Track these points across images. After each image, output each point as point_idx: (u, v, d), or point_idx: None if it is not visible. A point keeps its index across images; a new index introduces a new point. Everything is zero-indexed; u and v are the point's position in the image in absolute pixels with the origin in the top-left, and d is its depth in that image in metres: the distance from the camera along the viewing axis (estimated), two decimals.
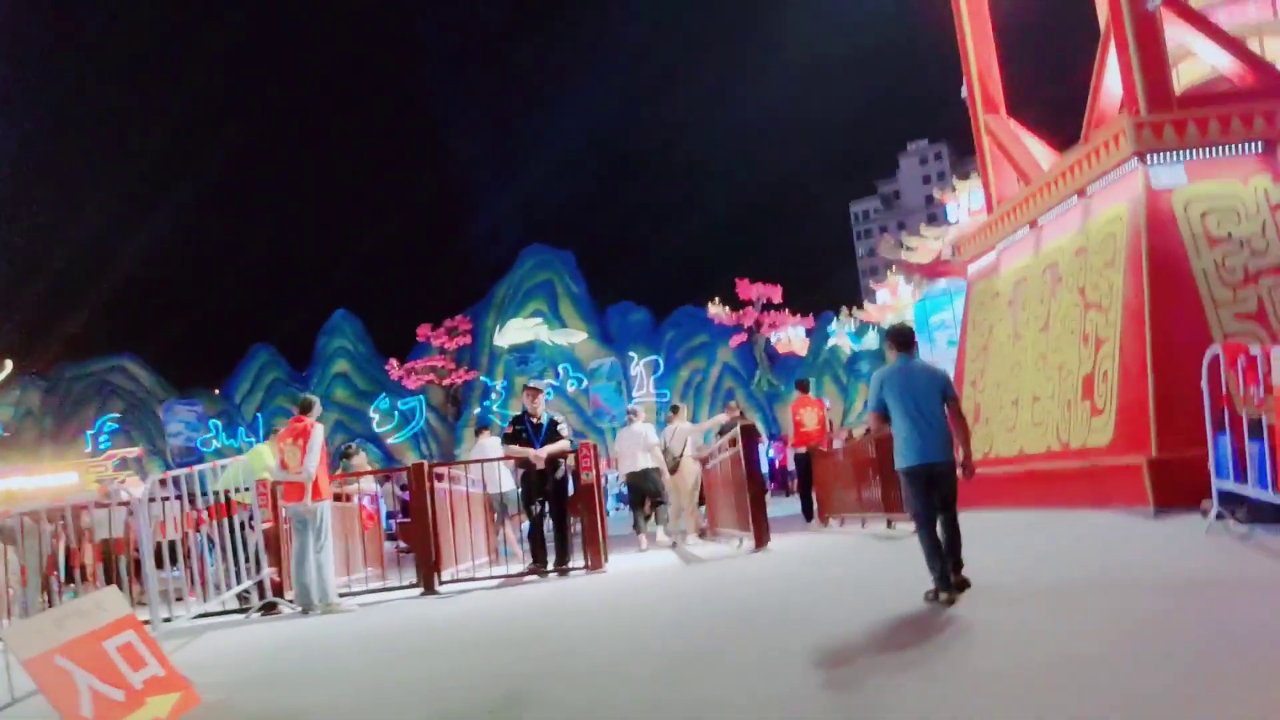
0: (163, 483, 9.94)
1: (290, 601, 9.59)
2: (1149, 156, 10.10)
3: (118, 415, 51.57)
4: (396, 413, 54.91)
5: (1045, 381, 11.61)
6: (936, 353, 43.60)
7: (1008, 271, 13.25)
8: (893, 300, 58.21)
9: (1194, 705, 3.59)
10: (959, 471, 6.76)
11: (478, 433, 14.66)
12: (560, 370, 54.19)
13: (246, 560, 9.54)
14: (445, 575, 10.12)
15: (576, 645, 6.33)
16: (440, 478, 11.83)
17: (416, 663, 6.31)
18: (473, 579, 10.01)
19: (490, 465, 11.50)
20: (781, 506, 19.72)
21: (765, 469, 20.39)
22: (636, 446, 12.79)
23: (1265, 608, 5.09)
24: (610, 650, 6.00)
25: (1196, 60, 12.00)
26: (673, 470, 13.01)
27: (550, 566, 10.02)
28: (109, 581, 9.84)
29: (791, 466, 20.36)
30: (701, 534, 14.08)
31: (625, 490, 13.98)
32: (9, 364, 48.02)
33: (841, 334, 53.56)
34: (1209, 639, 4.56)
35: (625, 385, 53.94)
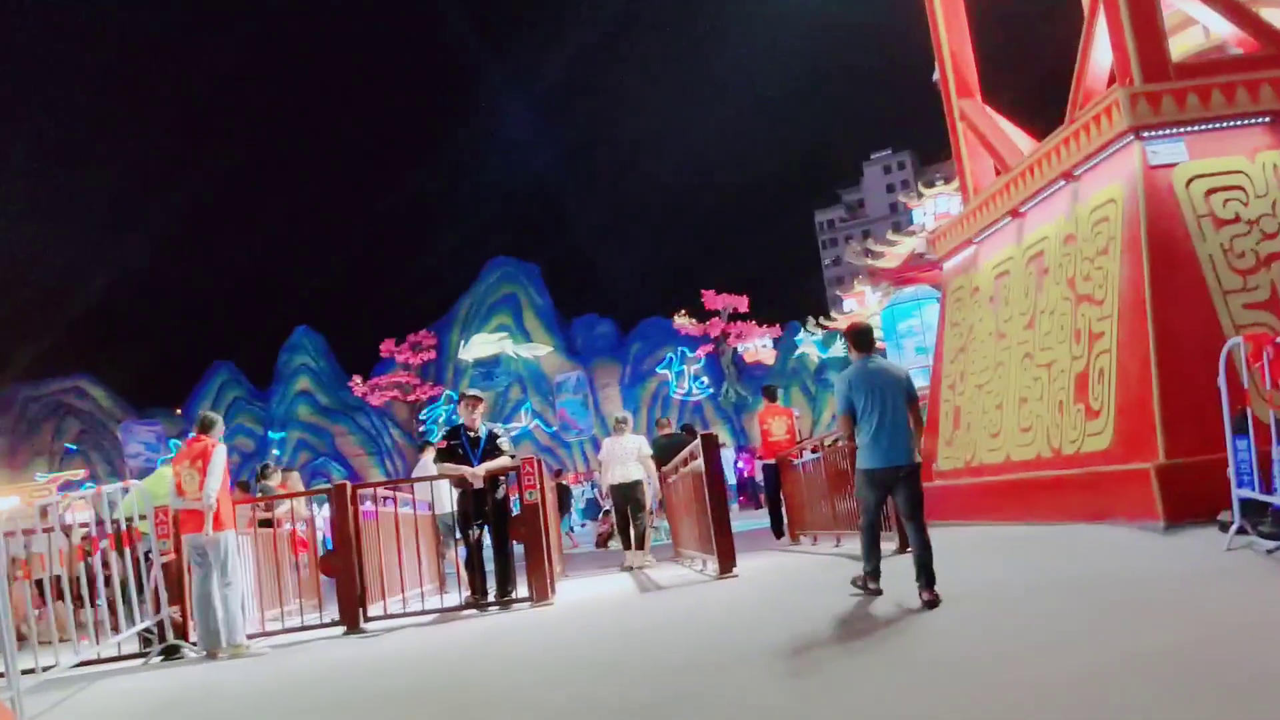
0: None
1: (194, 644, 8.32)
2: (1145, 131, 9.05)
3: (74, 436, 49.87)
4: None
5: (1033, 382, 10.53)
6: (905, 360, 42.71)
7: (987, 265, 12.18)
8: (860, 308, 57.39)
9: None
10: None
11: (420, 449, 13.44)
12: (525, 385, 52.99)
13: (142, 599, 8.27)
14: (377, 609, 8.89)
15: (513, 695, 5.18)
16: (375, 499, 10.61)
17: None
18: (404, 614, 8.76)
19: (439, 484, 10.22)
20: (750, 520, 18.59)
21: (732, 480, 19.21)
22: (629, 456, 11.82)
23: None
24: (553, 701, 4.84)
25: (1187, 33, 11.02)
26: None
27: (490, 598, 8.82)
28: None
29: (760, 478, 19.17)
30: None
31: (594, 501, 13.05)
32: None
33: (809, 343, 52.65)
34: (1250, 683, 3.49)
35: (591, 398, 52.76)
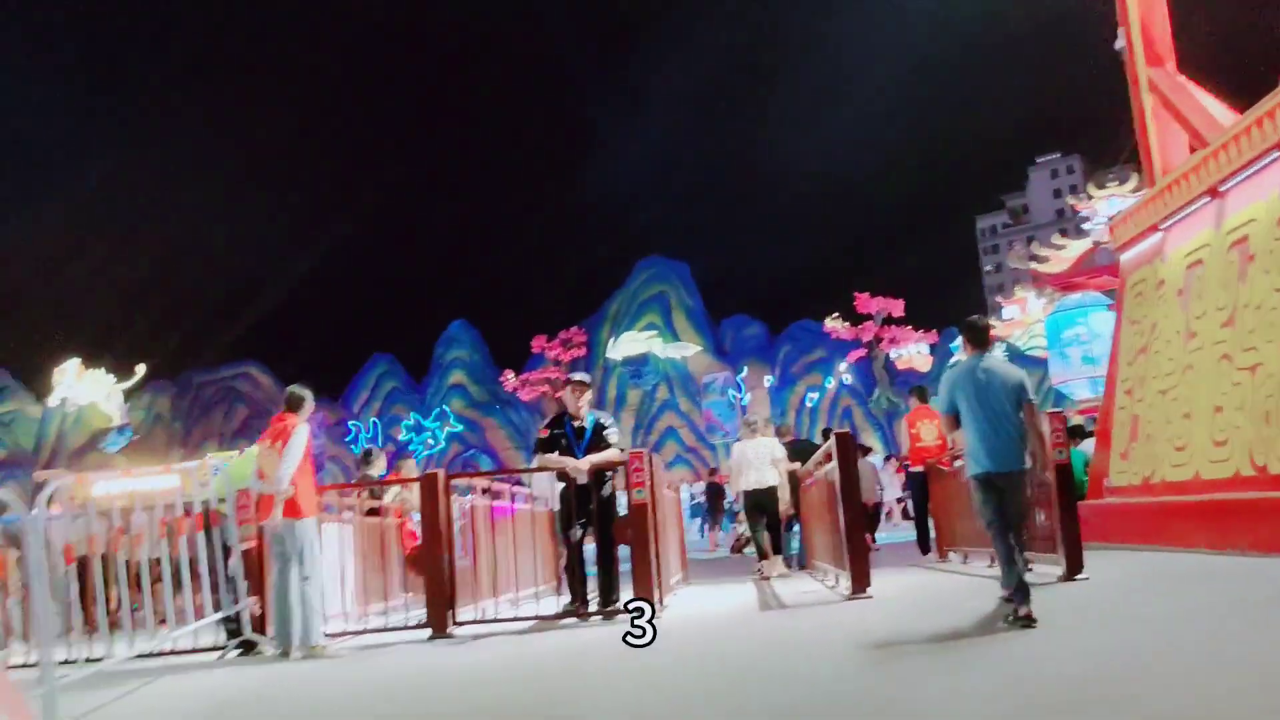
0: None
1: (273, 639, 7.62)
2: None
3: (242, 420, 51.54)
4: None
5: (1232, 388, 8.89)
6: (1070, 370, 39.91)
7: (1176, 254, 10.52)
8: (1021, 315, 54.44)
9: None
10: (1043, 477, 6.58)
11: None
12: (672, 385, 52.15)
13: (215, 588, 7.62)
14: (472, 612, 8.04)
15: None
16: (485, 491, 9.76)
17: None
18: (496, 619, 7.85)
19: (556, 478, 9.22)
20: (899, 532, 17.12)
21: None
22: (764, 460, 11.00)
23: None
24: None
25: None
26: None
27: (593, 607, 7.83)
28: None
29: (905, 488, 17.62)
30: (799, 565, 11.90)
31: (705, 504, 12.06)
32: (142, 368, 48.35)
33: (999, 355, 50.04)
34: None
35: (739, 399, 51.51)
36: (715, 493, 23.26)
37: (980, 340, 6.51)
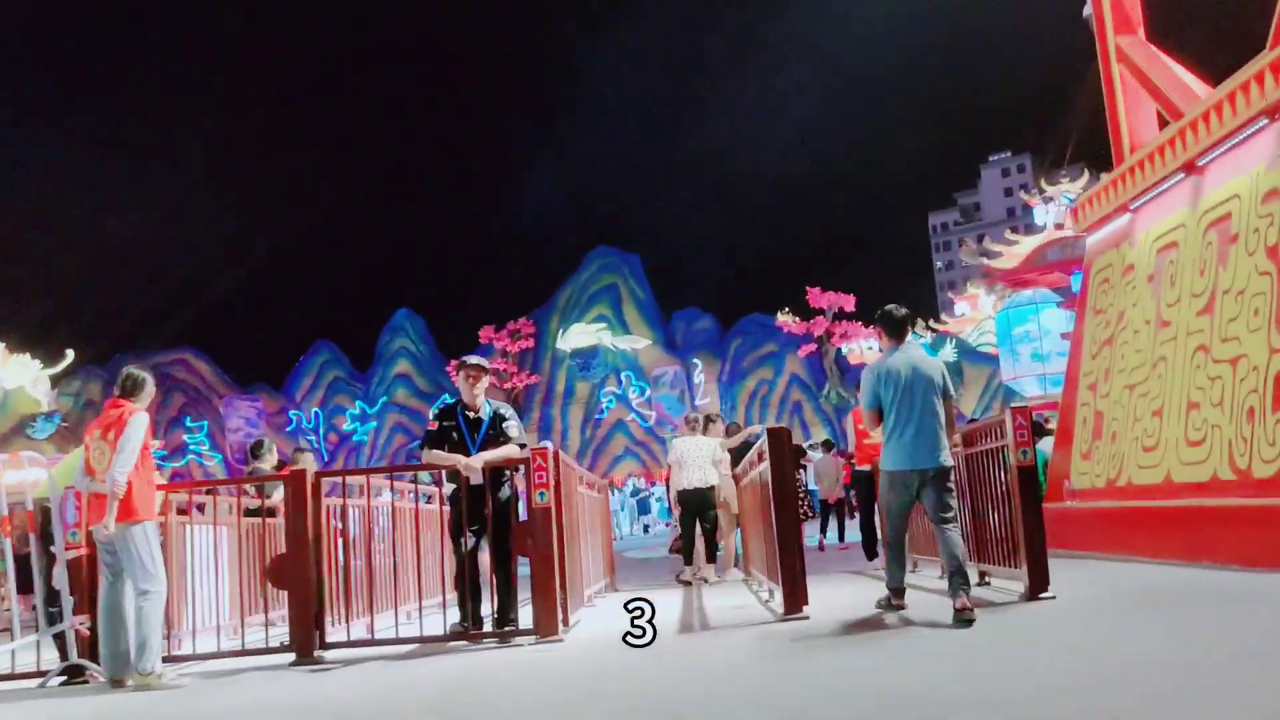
0: None
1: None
2: None
3: (178, 408, 49.73)
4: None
5: (1209, 383, 7.96)
6: (1020, 367, 39.48)
7: (1146, 236, 9.59)
8: (972, 312, 54.06)
9: None
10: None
11: None
12: (622, 377, 51.05)
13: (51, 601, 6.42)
14: (355, 630, 6.87)
15: None
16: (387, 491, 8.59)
17: None
18: (372, 641, 6.67)
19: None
20: (850, 533, 16.18)
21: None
22: (704, 459, 10.50)
23: None
24: None
25: None
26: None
27: (486, 628, 6.69)
28: None
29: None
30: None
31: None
32: (70, 354, 46.38)
33: (917, 346, 49.39)
34: None
35: (689, 394, 50.56)
36: None
37: (899, 331, 6.36)
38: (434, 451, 6.72)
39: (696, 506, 10.47)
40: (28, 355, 44.48)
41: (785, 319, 49.10)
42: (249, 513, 8.74)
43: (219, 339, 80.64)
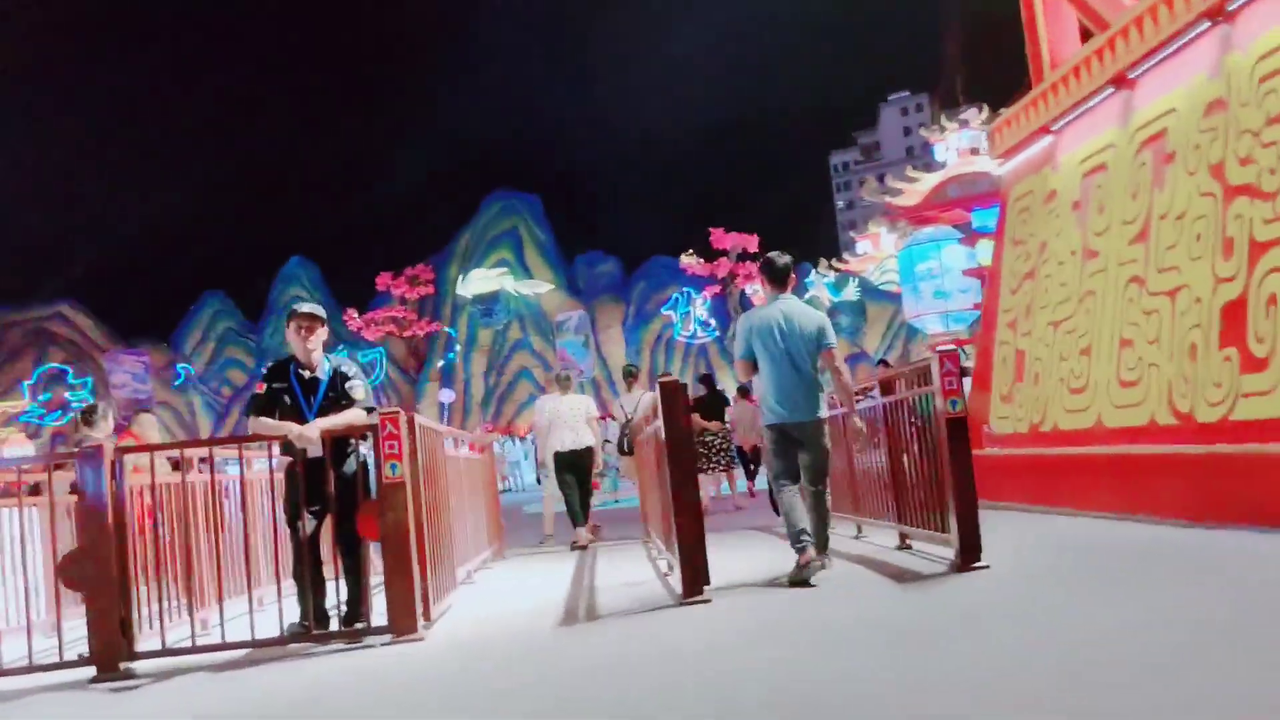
0: None
1: None
2: None
3: (60, 364, 46.91)
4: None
5: (1144, 318, 7.20)
6: (922, 305, 39.10)
7: (1071, 160, 8.77)
8: (874, 250, 53.72)
9: None
10: (855, 425, 6.41)
11: None
12: (525, 323, 49.78)
13: None
14: (177, 635, 5.71)
15: None
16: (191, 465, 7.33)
17: None
18: (194, 648, 5.51)
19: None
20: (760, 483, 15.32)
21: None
22: (578, 418, 10.04)
23: None
24: None
25: None
26: (632, 450, 10.46)
27: (333, 626, 5.59)
28: None
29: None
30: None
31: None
32: None
33: (820, 285, 49.10)
34: None
35: (593, 339, 49.54)
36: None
37: (781, 280, 6.13)
38: (261, 419, 5.54)
39: (570, 469, 9.95)
40: None
41: (689, 261, 48.24)
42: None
43: (100, 292, 76.50)
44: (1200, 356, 6.50)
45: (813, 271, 50.75)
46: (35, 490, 7.07)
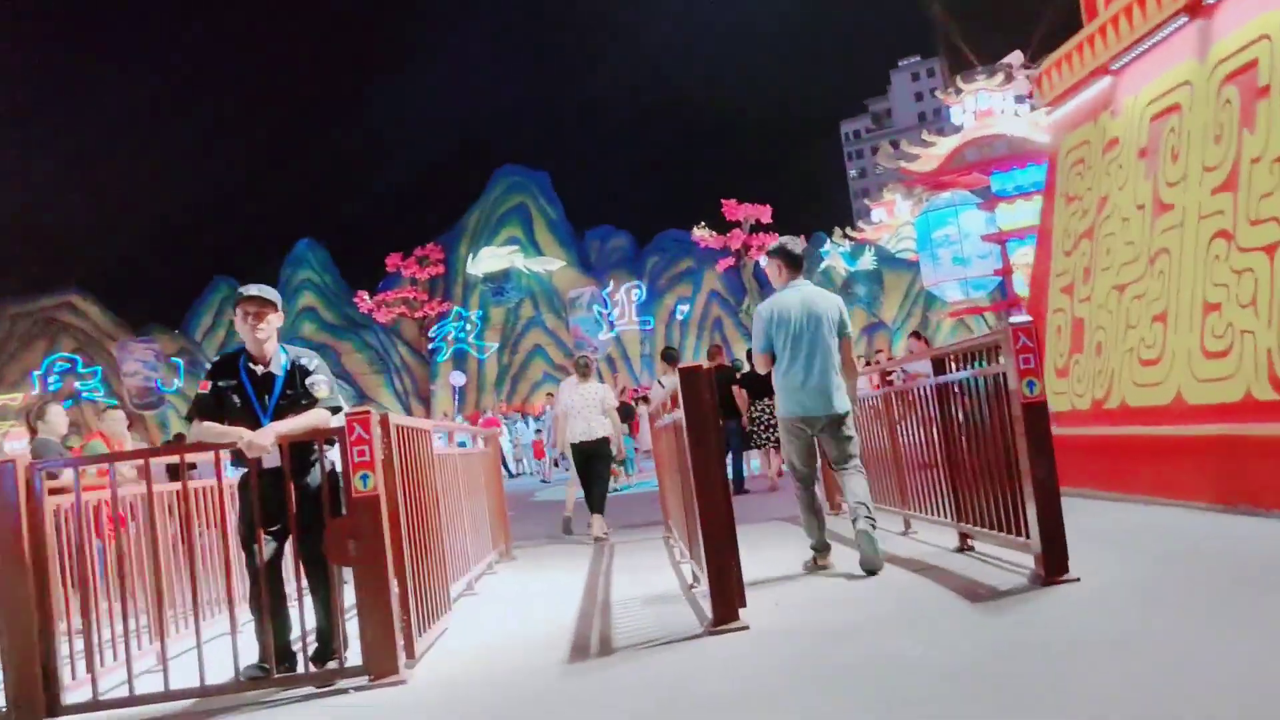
0: None
1: None
2: None
3: (68, 354, 46.24)
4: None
5: (1235, 278, 6.18)
6: (941, 272, 37.87)
7: (1134, 103, 7.72)
8: (889, 218, 52.47)
9: None
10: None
11: None
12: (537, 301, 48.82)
13: None
14: (111, 679, 4.83)
15: None
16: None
17: None
18: (128, 699, 4.59)
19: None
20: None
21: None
22: (593, 408, 9.57)
23: None
24: None
25: None
26: None
27: (298, 667, 4.68)
28: None
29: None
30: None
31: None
32: None
33: (835, 255, 48.00)
34: None
35: (606, 315, 48.59)
36: (625, 414, 20.11)
37: (798, 265, 5.93)
38: (205, 425, 4.61)
39: (587, 460, 9.61)
40: None
41: (702, 233, 47.14)
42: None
43: (107, 282, 75.71)
44: None
45: (827, 241, 49.61)
46: None
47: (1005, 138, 36.85)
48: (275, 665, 4.57)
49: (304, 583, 4.74)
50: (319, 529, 4.58)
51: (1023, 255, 30.80)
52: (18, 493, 4.44)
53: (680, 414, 5.04)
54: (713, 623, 4.63)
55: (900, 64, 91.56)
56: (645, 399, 20.02)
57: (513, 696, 4.15)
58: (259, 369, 4.72)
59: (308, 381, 4.73)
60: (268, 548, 4.62)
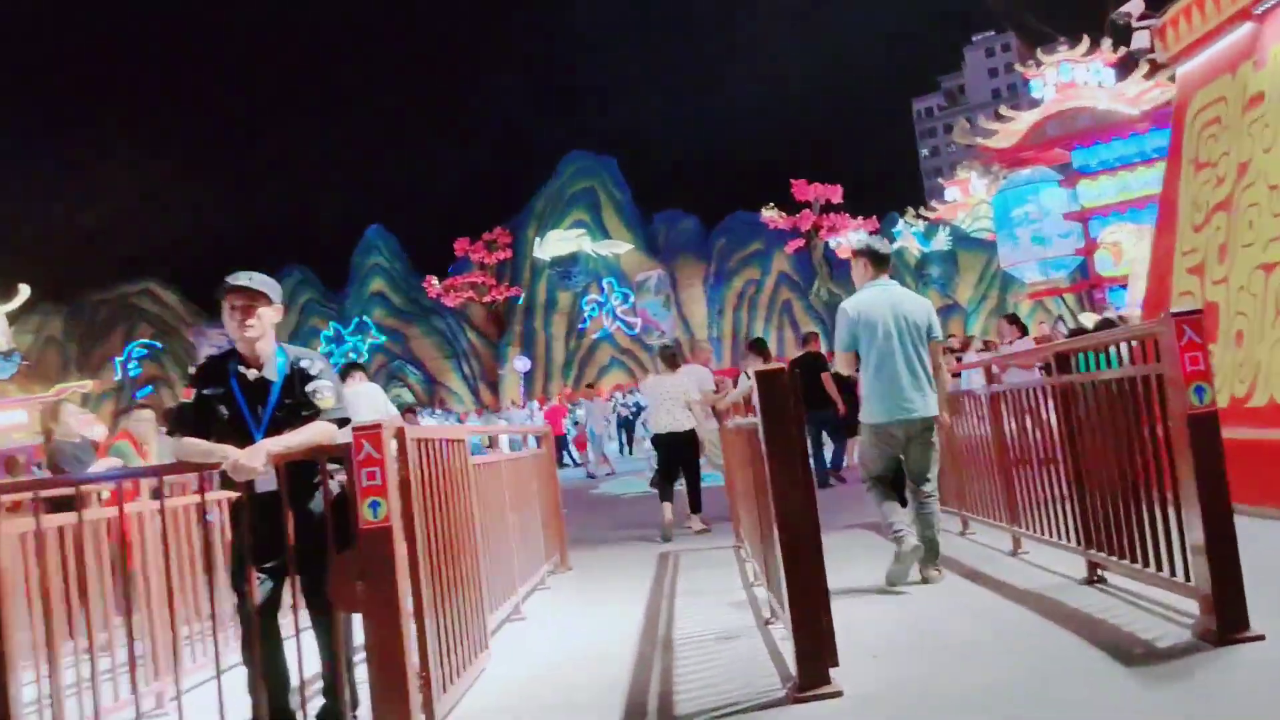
0: None
1: None
2: None
3: (147, 341, 46.78)
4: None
5: None
6: (1019, 252, 36.44)
7: None
8: (963, 197, 50.85)
9: None
10: (945, 421, 5.71)
11: (343, 377, 8.58)
12: (605, 285, 48.05)
13: None
14: None
15: None
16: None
17: None
18: None
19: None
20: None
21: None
22: (675, 400, 9.16)
23: None
24: None
25: None
26: None
27: None
28: None
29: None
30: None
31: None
32: (25, 289, 43.18)
33: (909, 235, 46.45)
34: None
35: (674, 298, 47.69)
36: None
37: (884, 263, 5.66)
38: (187, 441, 3.82)
39: (669, 452, 9.32)
40: None
41: (771, 214, 46.05)
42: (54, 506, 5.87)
43: (184, 269, 76.74)
44: None
45: (900, 221, 48.06)
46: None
47: (1089, 110, 35.18)
48: None
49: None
50: (323, 566, 3.77)
51: (1109, 233, 29.07)
52: None
53: (758, 423, 4.13)
54: (798, 687, 3.73)
55: (974, 39, 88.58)
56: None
57: None
58: (251, 374, 3.91)
59: (309, 388, 3.91)
60: (261, 589, 3.82)
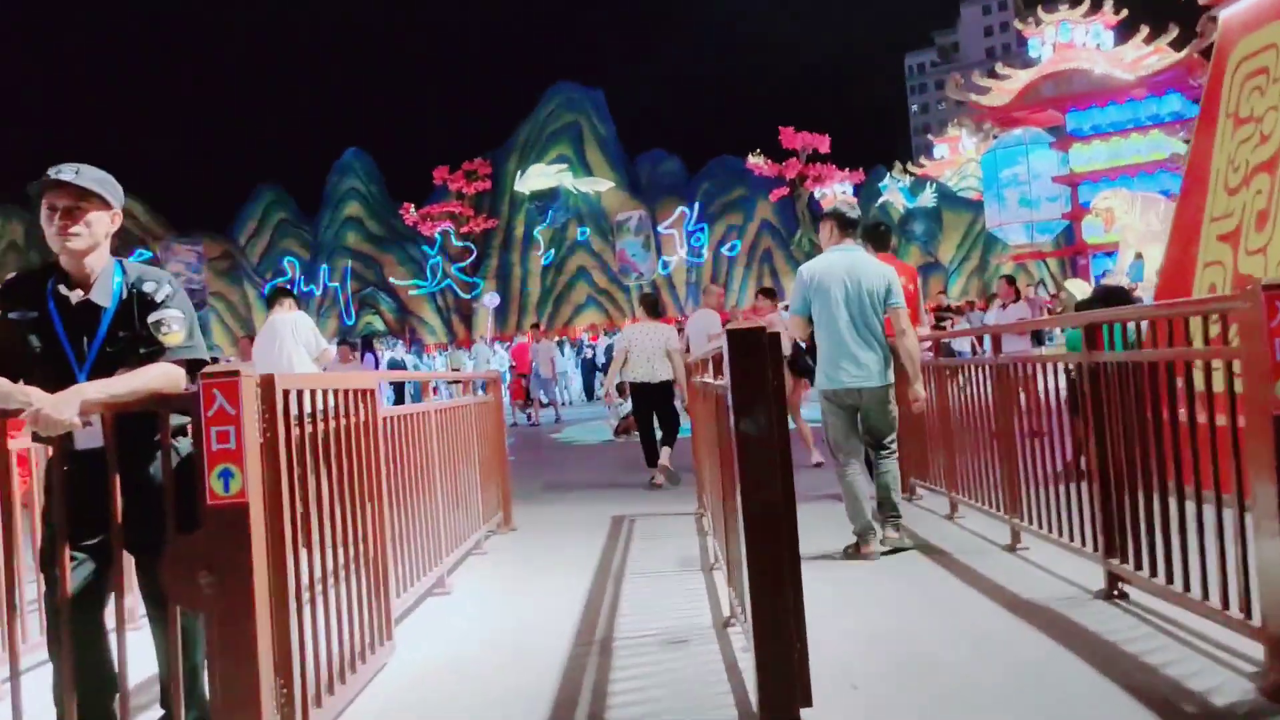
0: None
1: None
2: None
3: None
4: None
5: None
6: (1006, 213, 35.57)
7: None
8: (952, 155, 49.87)
9: None
10: (917, 393, 5.56)
11: (271, 300, 7.66)
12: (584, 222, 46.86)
13: None
14: None
15: None
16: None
17: None
18: None
19: None
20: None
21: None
22: (656, 349, 9.00)
23: None
24: None
25: None
26: (801, 372, 9.16)
27: None
28: None
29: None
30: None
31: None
32: None
33: (894, 190, 45.43)
34: None
35: (654, 240, 46.62)
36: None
37: (851, 227, 5.51)
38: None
39: (648, 402, 9.17)
40: None
41: (756, 161, 44.82)
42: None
43: (154, 183, 74.68)
44: None
45: (887, 176, 47.04)
46: None
47: (1085, 73, 34.08)
48: None
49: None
50: (156, 547, 2.89)
51: (1102, 199, 28.26)
52: None
53: (726, 390, 3.26)
54: (759, 711, 2.90)
55: None
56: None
57: None
58: (75, 295, 2.99)
59: (152, 319, 2.99)
60: (78, 573, 2.94)
